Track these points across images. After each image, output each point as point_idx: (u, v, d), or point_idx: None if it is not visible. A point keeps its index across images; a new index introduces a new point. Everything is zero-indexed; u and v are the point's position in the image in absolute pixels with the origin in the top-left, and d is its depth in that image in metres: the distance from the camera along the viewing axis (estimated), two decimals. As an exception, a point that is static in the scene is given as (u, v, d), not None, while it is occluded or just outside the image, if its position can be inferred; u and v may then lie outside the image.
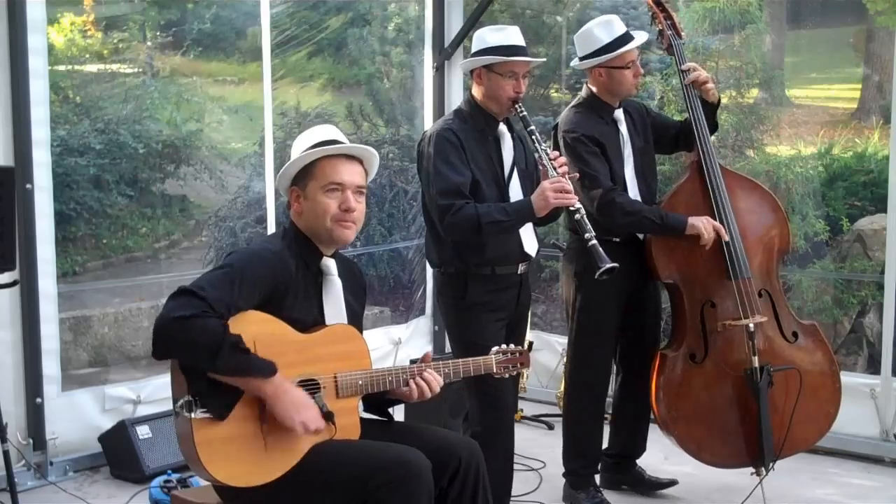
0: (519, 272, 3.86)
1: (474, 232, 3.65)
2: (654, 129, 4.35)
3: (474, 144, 3.76)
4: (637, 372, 4.36)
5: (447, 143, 3.71)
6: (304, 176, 2.97)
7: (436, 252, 3.85)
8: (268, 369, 2.71)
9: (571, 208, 3.65)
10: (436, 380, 3.01)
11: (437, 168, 3.69)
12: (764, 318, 4.05)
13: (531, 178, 3.89)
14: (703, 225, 4.01)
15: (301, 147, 3.02)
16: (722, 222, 4.05)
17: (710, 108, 4.20)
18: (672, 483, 4.44)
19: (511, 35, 3.76)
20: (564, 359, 5.44)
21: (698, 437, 4.14)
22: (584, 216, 3.67)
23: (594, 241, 3.65)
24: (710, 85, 4.17)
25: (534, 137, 3.72)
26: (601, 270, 3.62)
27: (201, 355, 2.63)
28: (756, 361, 3.97)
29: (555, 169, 3.67)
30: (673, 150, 4.54)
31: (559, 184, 3.62)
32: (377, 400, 3.12)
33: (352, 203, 2.95)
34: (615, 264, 3.62)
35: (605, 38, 4.07)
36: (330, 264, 3.03)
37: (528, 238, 3.85)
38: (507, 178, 3.81)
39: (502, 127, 3.85)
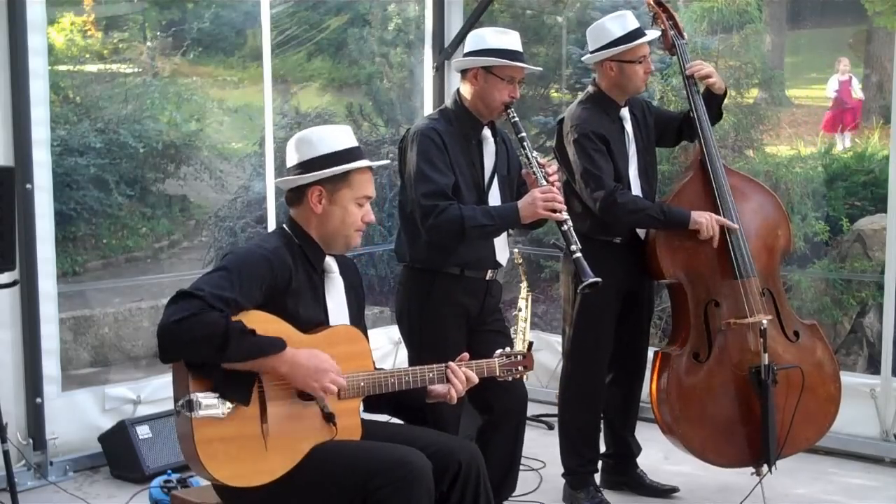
0: (487, 278, 3.80)
1: (458, 234, 3.59)
2: (657, 124, 4.34)
3: (457, 148, 3.69)
4: (629, 371, 4.37)
5: (431, 144, 3.64)
6: (337, 181, 2.96)
7: (408, 247, 3.77)
8: (278, 346, 2.72)
9: (560, 219, 3.61)
10: (469, 377, 3.05)
11: (421, 169, 3.61)
12: (770, 317, 4.05)
13: (512, 185, 3.84)
14: (705, 221, 3.99)
15: (326, 145, 2.96)
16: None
17: (717, 100, 4.21)
18: (674, 490, 4.43)
19: (514, 40, 3.72)
20: (564, 358, 5.44)
21: (703, 437, 4.13)
22: (571, 228, 3.63)
23: (579, 255, 3.61)
24: (714, 79, 4.16)
25: (524, 144, 3.68)
26: (584, 284, 3.61)
27: (210, 349, 2.64)
28: (766, 358, 3.96)
29: (546, 179, 3.62)
30: (677, 143, 4.54)
31: (551, 194, 3.58)
32: (410, 401, 3.11)
33: (373, 216, 3.04)
34: (598, 279, 3.59)
35: (618, 32, 4.04)
36: (332, 263, 3.05)
37: (501, 247, 3.81)
38: (487, 183, 3.76)
39: (486, 131, 3.78)
